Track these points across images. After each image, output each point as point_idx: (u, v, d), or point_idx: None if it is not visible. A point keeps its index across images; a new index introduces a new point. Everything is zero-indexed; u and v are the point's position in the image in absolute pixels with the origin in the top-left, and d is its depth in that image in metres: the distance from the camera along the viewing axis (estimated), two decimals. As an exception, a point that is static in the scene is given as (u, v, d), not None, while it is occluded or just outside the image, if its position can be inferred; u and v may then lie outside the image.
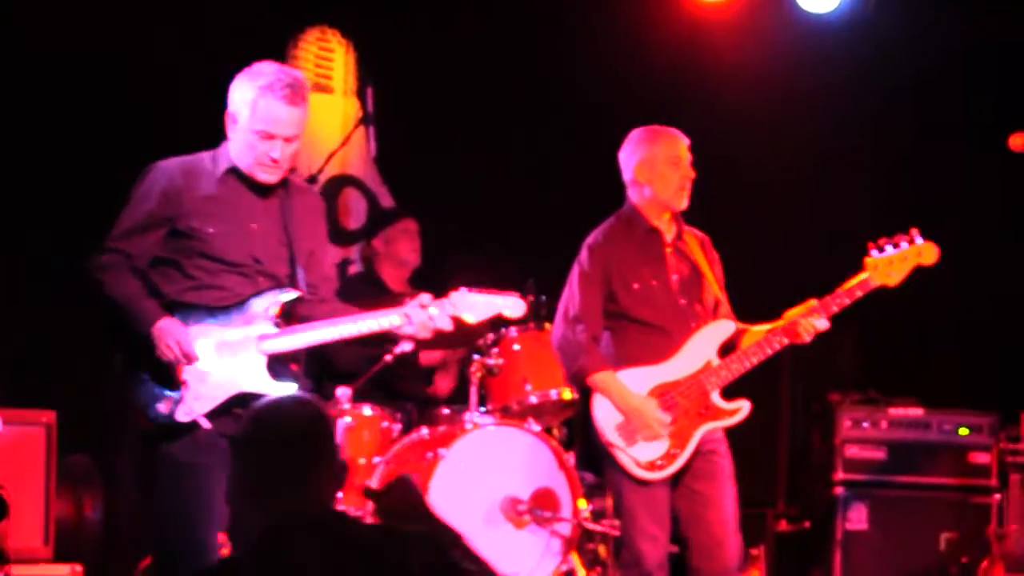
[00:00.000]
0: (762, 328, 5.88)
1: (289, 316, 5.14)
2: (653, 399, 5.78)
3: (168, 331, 4.93)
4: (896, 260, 5.85)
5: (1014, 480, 7.75)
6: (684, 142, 5.98)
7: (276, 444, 3.44)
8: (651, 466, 5.76)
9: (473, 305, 5.23)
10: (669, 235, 5.99)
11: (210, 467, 4.83)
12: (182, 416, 4.94)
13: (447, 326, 5.18)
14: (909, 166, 8.91)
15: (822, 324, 5.79)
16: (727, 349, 5.89)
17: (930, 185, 8.74)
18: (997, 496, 8.02)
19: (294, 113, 5.05)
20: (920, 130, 8.91)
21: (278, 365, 5.13)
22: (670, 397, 5.79)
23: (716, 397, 5.84)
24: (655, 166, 5.92)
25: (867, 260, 5.86)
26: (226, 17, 7.85)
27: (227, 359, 5.04)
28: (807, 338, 5.79)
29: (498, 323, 6.31)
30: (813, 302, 5.82)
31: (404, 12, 8.54)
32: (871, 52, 8.78)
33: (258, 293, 5.09)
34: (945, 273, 6.09)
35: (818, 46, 8.73)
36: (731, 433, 5.95)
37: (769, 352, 5.84)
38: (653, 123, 6.03)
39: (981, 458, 8.10)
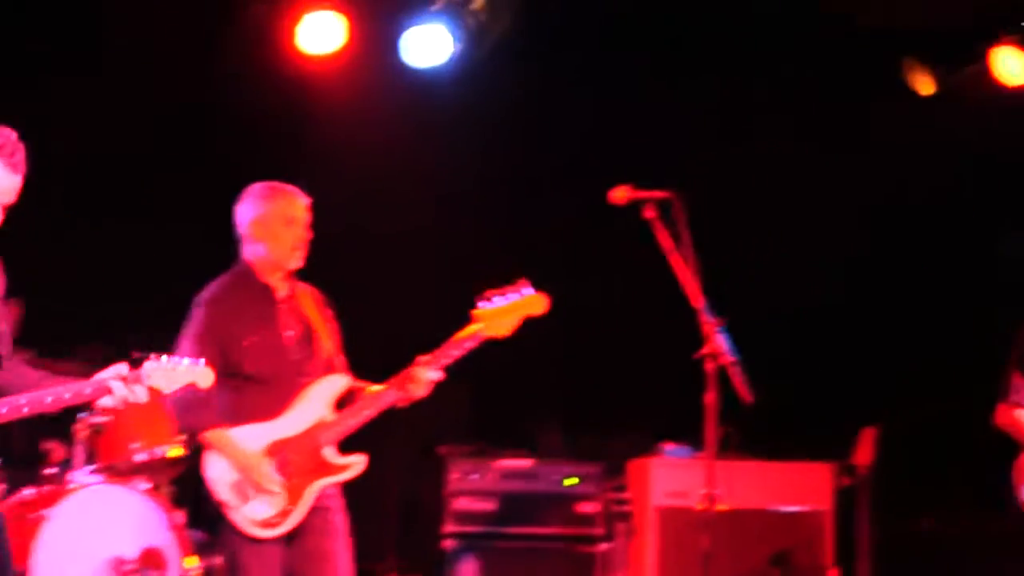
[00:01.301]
0: (379, 388, 5.99)
1: None
2: (264, 457, 5.81)
3: None
4: (505, 311, 6.03)
5: (620, 529, 8.06)
6: (302, 201, 6.05)
7: None
8: (265, 524, 5.78)
9: (167, 376, 5.09)
10: (282, 292, 6.04)
11: None
12: None
13: (144, 398, 5.06)
14: (521, 217, 9.20)
15: (433, 375, 5.94)
16: (342, 404, 5.97)
17: (544, 237, 9.05)
18: (603, 545, 8.32)
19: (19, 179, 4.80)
20: (529, 182, 9.21)
21: None
22: (284, 454, 5.83)
23: (331, 452, 5.90)
24: (269, 224, 5.98)
25: (475, 312, 6.03)
26: None
27: None
28: (420, 391, 5.93)
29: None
30: (423, 359, 5.95)
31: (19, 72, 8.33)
32: (480, 105, 9.01)
33: None
34: (552, 325, 6.31)
35: (428, 99, 8.90)
36: (342, 487, 6.03)
37: (382, 406, 5.95)
38: (270, 179, 6.08)
39: (588, 508, 8.39)
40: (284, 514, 5.80)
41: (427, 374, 5.93)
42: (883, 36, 9.16)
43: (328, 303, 6.20)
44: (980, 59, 9.08)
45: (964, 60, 9.17)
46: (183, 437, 6.04)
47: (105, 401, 4.99)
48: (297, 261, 6.01)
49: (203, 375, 5.16)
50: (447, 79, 8.75)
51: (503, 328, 6.05)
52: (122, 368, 4.99)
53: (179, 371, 5.08)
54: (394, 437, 8.45)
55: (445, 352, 5.97)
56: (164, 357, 5.03)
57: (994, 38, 8.96)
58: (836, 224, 9.53)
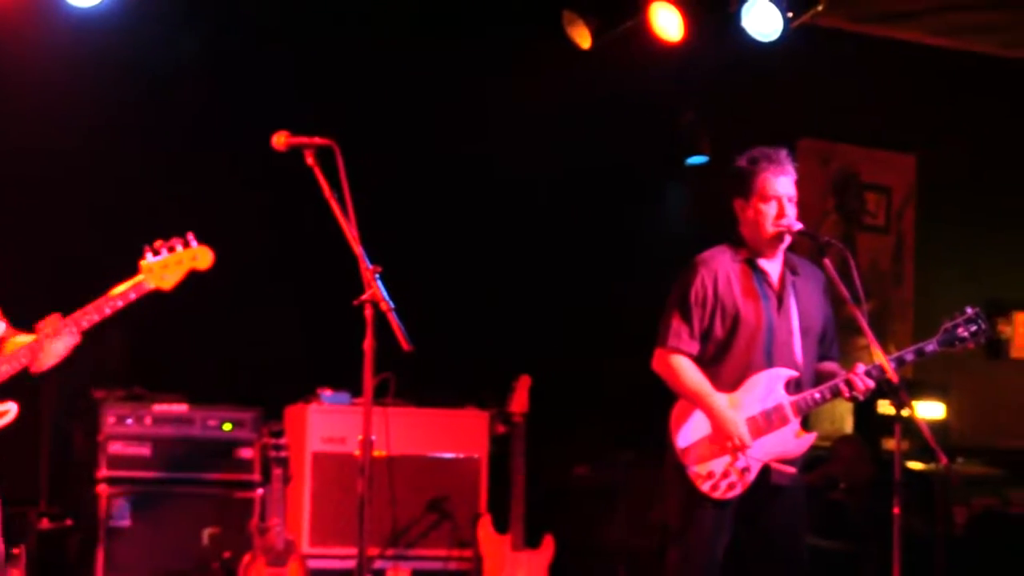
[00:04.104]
0: (26, 338, 6.06)
1: None
2: None
3: None
4: (171, 263, 6.16)
5: (276, 474, 8.25)
6: None
7: None
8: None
9: None
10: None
11: None
12: None
13: None
14: (185, 165, 9.22)
15: (69, 340, 6.05)
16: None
17: (207, 185, 9.11)
18: (260, 490, 8.53)
19: None
20: (190, 129, 9.26)
21: None
22: (-65, 404, 5.87)
23: (-18, 400, 5.95)
24: None
25: (142, 263, 6.13)
26: None
27: None
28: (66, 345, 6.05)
29: None
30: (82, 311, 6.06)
31: None
32: (141, 48, 9.05)
33: None
34: (213, 270, 6.47)
35: (88, 41, 8.85)
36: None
37: (31, 356, 6.00)
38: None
39: (245, 453, 8.58)
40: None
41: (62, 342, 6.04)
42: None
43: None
44: (638, 14, 9.49)
45: (622, 15, 9.57)
46: None
47: None
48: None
49: None
50: (107, 20, 8.72)
51: (167, 281, 6.16)
52: None
53: None
54: (47, 381, 8.48)
55: (106, 303, 6.06)
56: None
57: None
58: (489, 172, 9.87)
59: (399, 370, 7.87)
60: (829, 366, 6.69)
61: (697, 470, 6.44)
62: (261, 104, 8.89)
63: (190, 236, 6.21)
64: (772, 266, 6.64)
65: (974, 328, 6.52)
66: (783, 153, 6.61)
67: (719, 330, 6.55)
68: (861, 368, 6.42)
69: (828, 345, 6.75)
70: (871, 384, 6.40)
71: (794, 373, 6.51)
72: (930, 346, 6.52)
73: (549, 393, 9.12)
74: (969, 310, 6.52)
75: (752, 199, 6.56)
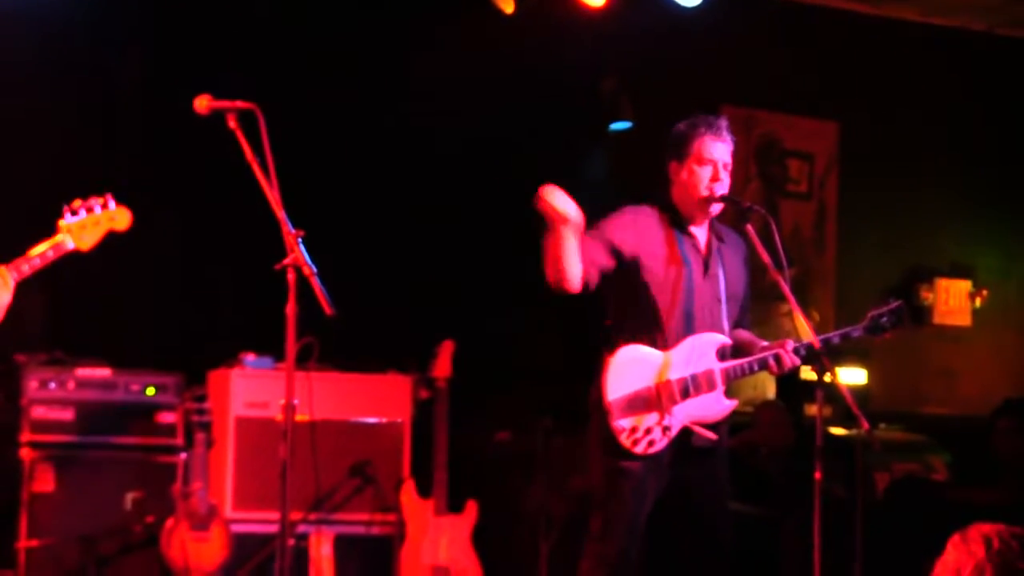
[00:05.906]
0: None
1: None
2: None
3: None
4: (89, 224, 6.22)
5: (199, 439, 8.29)
6: None
7: None
8: None
9: None
10: None
11: None
12: None
13: None
14: (106, 127, 9.20)
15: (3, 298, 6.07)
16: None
17: (128, 148, 9.11)
18: (183, 455, 8.56)
19: None
20: (112, 91, 9.24)
21: None
22: None
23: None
24: None
25: (60, 223, 6.19)
26: None
27: None
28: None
29: None
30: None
31: None
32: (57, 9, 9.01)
33: None
34: (135, 234, 6.48)
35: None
36: None
37: None
38: None
39: (167, 417, 8.59)
40: None
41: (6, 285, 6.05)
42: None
43: None
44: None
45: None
46: None
47: None
48: None
49: None
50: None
51: (85, 241, 6.23)
52: None
53: None
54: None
55: (25, 262, 6.10)
56: None
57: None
58: (412, 138, 9.88)
59: (322, 335, 7.87)
60: (743, 335, 6.80)
61: (621, 423, 6.47)
62: (184, 67, 8.91)
63: (108, 197, 6.25)
64: (700, 233, 6.72)
65: (895, 319, 6.67)
66: (723, 122, 6.71)
67: (632, 282, 6.61)
68: (791, 345, 6.54)
69: (743, 314, 6.85)
70: (797, 362, 6.54)
71: (726, 340, 6.62)
72: (856, 332, 6.68)
73: (472, 359, 9.15)
74: (893, 302, 6.67)
75: (687, 161, 6.65)
